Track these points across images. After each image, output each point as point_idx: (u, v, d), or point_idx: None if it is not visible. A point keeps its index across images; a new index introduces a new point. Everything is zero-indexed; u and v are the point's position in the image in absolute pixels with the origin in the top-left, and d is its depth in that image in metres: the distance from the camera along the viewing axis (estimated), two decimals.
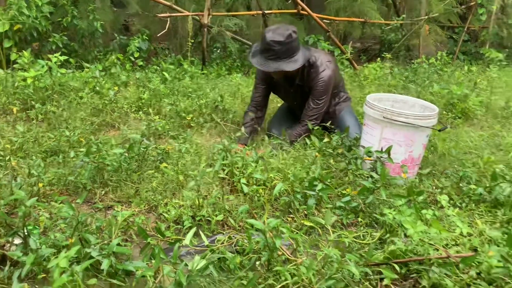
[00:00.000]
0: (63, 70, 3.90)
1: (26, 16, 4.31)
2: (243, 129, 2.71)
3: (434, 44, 6.40)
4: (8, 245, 1.72)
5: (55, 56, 3.82)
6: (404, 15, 6.34)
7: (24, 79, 3.63)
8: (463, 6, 6.71)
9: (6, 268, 1.59)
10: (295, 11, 5.06)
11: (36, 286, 1.56)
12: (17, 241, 1.73)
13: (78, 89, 3.68)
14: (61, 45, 4.70)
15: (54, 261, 1.45)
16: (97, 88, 3.67)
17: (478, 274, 1.69)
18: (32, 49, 4.71)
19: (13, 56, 4.21)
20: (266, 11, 5.02)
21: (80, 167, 2.28)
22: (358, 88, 4.81)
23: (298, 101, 3.12)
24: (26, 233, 1.62)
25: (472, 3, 6.42)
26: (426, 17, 6.10)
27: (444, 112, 3.97)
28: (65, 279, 1.30)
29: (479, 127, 3.79)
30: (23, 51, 3.96)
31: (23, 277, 1.51)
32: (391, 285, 1.66)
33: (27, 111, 3.25)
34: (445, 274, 1.65)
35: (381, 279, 1.67)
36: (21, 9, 4.28)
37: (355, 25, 6.06)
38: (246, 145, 2.93)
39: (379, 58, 5.50)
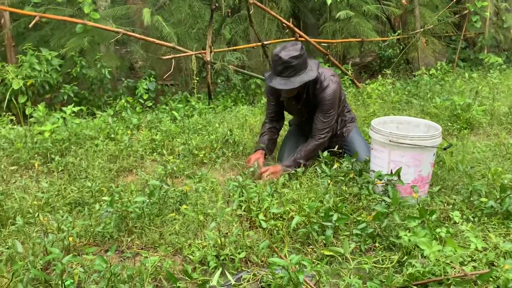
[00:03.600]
0: (77, 120, 4.06)
1: (38, 71, 4.52)
2: (258, 138, 2.85)
3: (433, 54, 6.52)
4: None
5: (69, 108, 3.99)
6: (399, 30, 6.49)
7: (41, 133, 3.79)
8: (457, 15, 6.85)
9: None
10: (293, 38, 5.22)
11: None
12: None
13: (93, 137, 3.83)
14: (72, 95, 4.90)
15: None
16: (112, 135, 3.82)
17: None
18: (45, 101, 4.91)
19: (28, 111, 4.41)
20: (265, 42, 5.19)
21: (106, 217, 2.39)
22: (362, 106, 4.93)
23: (306, 116, 3.23)
24: None
25: (465, 12, 6.56)
26: (422, 29, 6.24)
27: (449, 123, 4.05)
28: None
29: (485, 136, 3.86)
30: (38, 105, 4.15)
31: None
32: None
33: (47, 164, 3.39)
34: None
35: None
36: (33, 65, 4.49)
37: (353, 45, 6.22)
38: (264, 155, 3.15)
39: (380, 76, 5.62)
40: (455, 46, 6.96)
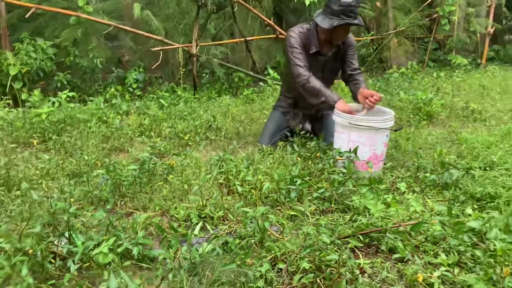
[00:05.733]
0: (71, 105, 4.39)
1: (34, 59, 4.82)
2: (326, 91, 3.13)
3: (404, 54, 6.99)
4: (55, 246, 2.17)
5: (64, 93, 4.31)
6: (373, 31, 6.94)
7: (38, 115, 4.11)
8: (428, 19, 7.33)
9: (57, 263, 2.03)
10: (274, 36, 5.61)
11: (83, 271, 2.00)
12: (63, 242, 2.17)
13: (86, 120, 4.17)
14: (65, 82, 5.20)
15: (97, 249, 1.92)
16: (103, 118, 4.15)
17: (426, 238, 2.17)
18: (40, 87, 5.20)
19: (24, 96, 4.70)
20: (248, 38, 5.56)
21: (101, 184, 2.74)
22: None
23: (324, 74, 3.43)
24: (70, 234, 2.07)
25: (435, 15, 7.05)
26: (394, 31, 6.70)
27: (412, 115, 4.49)
28: (110, 257, 1.76)
29: (442, 126, 4.32)
30: (34, 90, 4.46)
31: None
32: (359, 252, 2.13)
33: (45, 143, 3.71)
34: (399, 240, 2.12)
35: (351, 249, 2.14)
36: (29, 53, 4.78)
37: None
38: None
39: None
40: (427, 48, 7.45)
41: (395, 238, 2.11)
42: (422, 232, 2.20)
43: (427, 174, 2.82)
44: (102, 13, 5.72)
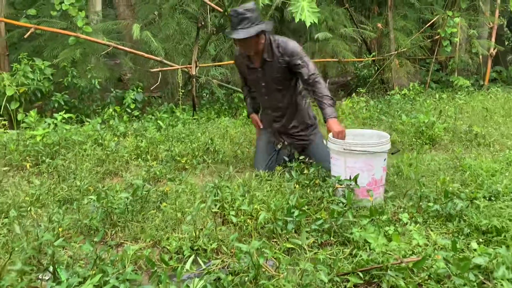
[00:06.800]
0: (67, 126, 4.32)
1: (31, 79, 4.77)
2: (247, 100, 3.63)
3: (406, 76, 6.94)
4: (39, 281, 2.06)
5: (60, 115, 4.24)
6: (375, 52, 6.91)
7: (33, 137, 4.03)
8: (429, 40, 7.30)
9: None
10: None
11: None
12: (46, 277, 2.07)
13: (82, 142, 4.09)
14: (62, 103, 5.15)
15: (82, 287, 1.81)
16: (99, 140, 4.08)
17: (429, 275, 2.05)
18: (37, 108, 5.15)
19: (20, 117, 4.64)
20: None
21: (92, 212, 2.65)
22: None
23: (265, 86, 3.36)
24: (54, 269, 1.97)
25: (437, 37, 7.02)
26: (396, 52, 6.66)
27: (414, 139, 4.40)
28: None
29: (444, 151, 4.22)
30: (30, 111, 4.40)
31: None
32: None
33: (38, 166, 3.63)
34: (401, 277, 2.01)
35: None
36: (27, 74, 4.74)
37: (331, 65, 6.60)
38: (257, 112, 3.67)
39: (354, 94, 5.99)
40: (428, 69, 7.40)
41: (397, 275, 2.00)
42: (425, 268, 2.08)
43: (430, 204, 2.71)
44: (101, 34, 5.69)
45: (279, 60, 3.22)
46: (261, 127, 3.65)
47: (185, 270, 2.11)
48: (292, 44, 3.22)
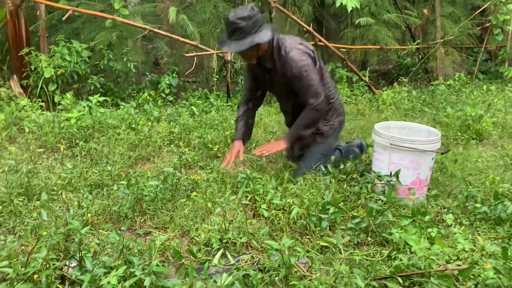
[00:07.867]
0: (101, 110, 4.31)
1: (68, 61, 4.79)
2: (237, 125, 3.04)
3: (452, 65, 6.57)
4: (66, 267, 2.03)
5: (95, 98, 4.24)
6: (419, 40, 6.56)
7: (68, 119, 4.05)
8: (479, 28, 6.87)
9: (66, 287, 1.89)
10: (313, 43, 5.37)
11: None
12: (73, 264, 2.03)
13: (116, 126, 4.07)
14: (98, 86, 5.16)
15: (105, 279, 1.76)
16: (133, 125, 4.05)
17: (476, 285, 1.88)
18: (73, 90, 5.19)
19: (57, 98, 4.68)
20: None
21: (122, 199, 2.60)
22: (376, 112, 5.05)
23: (278, 93, 3.12)
24: (81, 257, 1.93)
25: (487, 24, 6.58)
26: (442, 40, 6.30)
27: (459, 133, 4.14)
28: None
29: (493, 147, 3.94)
30: (66, 93, 4.42)
31: None
32: None
33: (72, 149, 3.64)
34: (445, 285, 1.85)
35: None
36: (64, 56, 4.76)
37: (372, 52, 6.33)
38: (244, 141, 3.07)
39: (396, 83, 5.72)
40: (476, 58, 6.98)
41: (440, 284, 1.84)
42: (472, 277, 1.91)
43: (478, 205, 2.51)
44: (138, 16, 5.65)
45: (281, 69, 2.85)
46: (230, 164, 3.01)
47: (213, 264, 2.03)
48: (294, 64, 2.77)
